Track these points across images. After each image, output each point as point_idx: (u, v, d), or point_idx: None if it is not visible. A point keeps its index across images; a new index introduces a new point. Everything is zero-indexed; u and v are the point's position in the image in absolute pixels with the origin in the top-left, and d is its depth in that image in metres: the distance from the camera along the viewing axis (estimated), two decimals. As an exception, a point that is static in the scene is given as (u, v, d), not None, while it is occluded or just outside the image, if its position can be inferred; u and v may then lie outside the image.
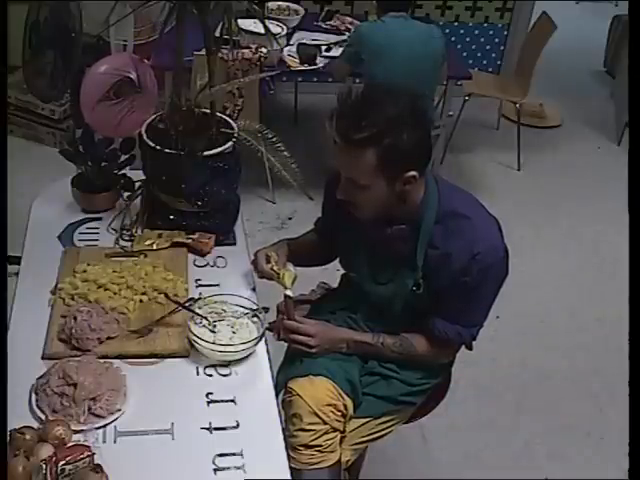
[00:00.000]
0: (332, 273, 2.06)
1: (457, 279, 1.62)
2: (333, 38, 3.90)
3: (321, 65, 3.65)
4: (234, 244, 1.98)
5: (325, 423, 1.68)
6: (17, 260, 1.83)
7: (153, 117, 1.89)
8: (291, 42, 3.79)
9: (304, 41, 3.77)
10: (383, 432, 1.84)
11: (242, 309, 1.70)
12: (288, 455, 1.44)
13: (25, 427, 1.32)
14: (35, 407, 1.41)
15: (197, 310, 1.65)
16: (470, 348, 1.79)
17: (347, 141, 1.50)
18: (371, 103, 1.50)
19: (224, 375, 1.57)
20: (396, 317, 1.77)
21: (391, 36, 3.24)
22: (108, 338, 1.59)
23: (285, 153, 1.74)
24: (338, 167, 1.58)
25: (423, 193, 1.63)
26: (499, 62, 5.22)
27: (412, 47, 3.23)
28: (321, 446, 1.68)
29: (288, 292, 1.73)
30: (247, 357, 1.61)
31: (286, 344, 1.89)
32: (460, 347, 1.82)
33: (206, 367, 1.58)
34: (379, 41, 3.25)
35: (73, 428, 1.36)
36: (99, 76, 1.89)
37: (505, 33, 5.12)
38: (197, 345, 1.58)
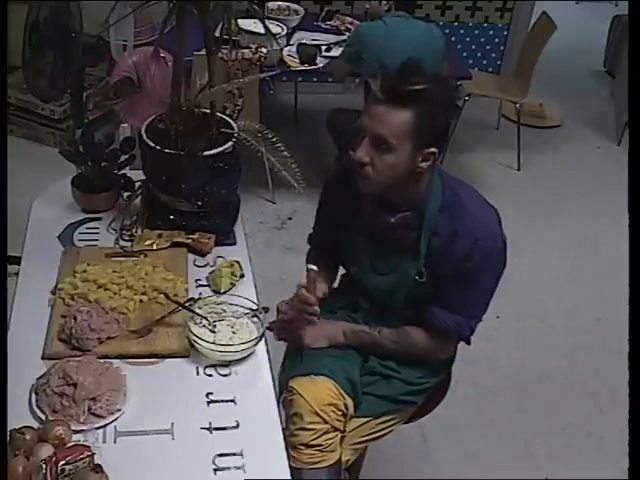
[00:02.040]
0: (332, 273, 2.06)
1: (459, 265, 1.65)
2: (333, 38, 3.90)
3: (321, 65, 3.65)
4: (234, 244, 1.98)
5: (326, 422, 1.68)
6: (17, 260, 1.83)
7: (153, 117, 1.89)
8: (291, 42, 3.79)
9: (304, 41, 3.77)
10: (383, 432, 1.84)
11: (242, 309, 1.70)
12: (288, 454, 1.44)
13: (25, 427, 1.32)
14: (35, 407, 1.41)
15: (197, 310, 1.65)
16: (468, 342, 1.79)
17: (391, 94, 1.54)
18: (420, 68, 1.57)
19: (224, 375, 1.57)
20: (397, 311, 1.78)
21: (391, 36, 3.24)
22: (108, 338, 1.59)
23: (285, 153, 1.74)
24: (368, 126, 1.58)
25: (428, 182, 1.66)
26: (499, 62, 5.22)
27: (412, 47, 3.22)
28: (321, 445, 1.68)
29: (312, 266, 1.73)
30: (247, 357, 1.61)
31: (286, 344, 1.90)
32: (459, 342, 1.82)
33: (206, 367, 1.58)
34: (379, 41, 3.25)
35: (73, 428, 1.36)
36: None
37: (505, 33, 5.11)
38: (197, 345, 1.58)
